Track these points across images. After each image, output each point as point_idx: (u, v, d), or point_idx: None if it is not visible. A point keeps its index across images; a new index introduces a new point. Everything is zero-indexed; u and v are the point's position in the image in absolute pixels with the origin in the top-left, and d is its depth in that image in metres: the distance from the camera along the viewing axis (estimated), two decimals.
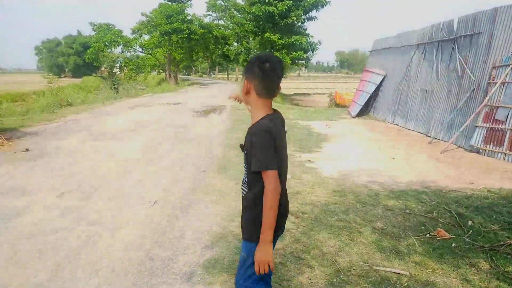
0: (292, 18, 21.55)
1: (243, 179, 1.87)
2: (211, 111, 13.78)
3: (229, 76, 63.89)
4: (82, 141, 7.48)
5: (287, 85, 38.02)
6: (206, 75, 71.89)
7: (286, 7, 20.74)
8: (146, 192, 4.61)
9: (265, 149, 1.64)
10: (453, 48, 8.83)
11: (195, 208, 4.10)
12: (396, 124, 11.20)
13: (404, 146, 8.37)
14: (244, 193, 1.84)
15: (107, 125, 9.64)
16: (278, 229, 1.80)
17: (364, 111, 13.45)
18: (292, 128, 10.41)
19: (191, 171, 5.64)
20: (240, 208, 1.90)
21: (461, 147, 7.88)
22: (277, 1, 21.06)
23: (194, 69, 71.47)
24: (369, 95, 13.10)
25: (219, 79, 59.50)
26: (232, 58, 46.04)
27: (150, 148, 7.12)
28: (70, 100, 13.33)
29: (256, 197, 1.75)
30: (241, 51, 40.83)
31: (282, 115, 1.95)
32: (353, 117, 13.16)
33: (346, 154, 7.33)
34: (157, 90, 23.62)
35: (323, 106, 22.14)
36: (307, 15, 22.96)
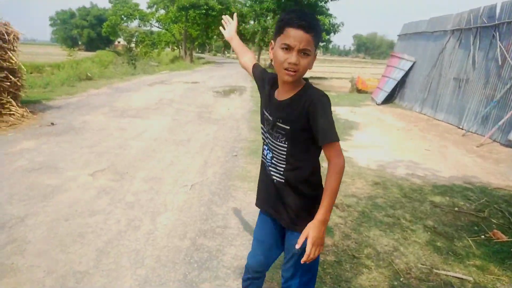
0: None
1: (271, 161, 1.60)
2: (231, 91, 13.51)
3: None
4: (106, 117, 7.32)
5: None
6: (220, 54, 71.15)
7: None
8: (180, 175, 4.43)
9: (331, 118, 1.44)
10: (493, 35, 8.35)
11: (234, 195, 3.92)
12: (425, 114, 10.81)
13: (436, 138, 8.05)
14: (283, 178, 1.56)
15: (129, 101, 9.45)
16: None
17: (389, 99, 13.03)
18: None
19: (222, 154, 5.44)
20: None
21: (497, 142, 7.53)
22: None
23: (208, 47, 70.65)
24: (396, 82, 12.65)
25: (233, 58, 58.78)
26: (248, 37, 45.41)
27: (176, 127, 6.93)
28: (89, 74, 13.15)
29: (310, 178, 1.56)
30: (258, 30, 40.10)
31: None
32: (378, 104, 12.77)
33: (378, 144, 7.06)
34: (173, 68, 23.30)
35: (344, 91, 21.65)
36: None
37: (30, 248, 2.70)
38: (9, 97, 6.67)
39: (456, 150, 7.00)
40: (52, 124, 6.48)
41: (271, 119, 1.56)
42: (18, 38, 6.91)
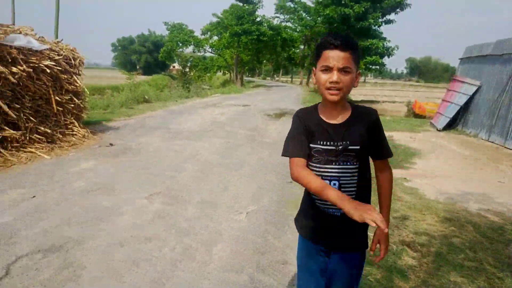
0: (369, 20, 20.50)
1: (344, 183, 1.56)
2: (282, 114, 13.38)
3: (293, 79, 63.35)
4: (161, 139, 7.43)
5: (354, 91, 36.57)
6: (269, 78, 72.12)
7: (363, 9, 19.77)
8: (234, 201, 4.27)
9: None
10: None
11: (291, 226, 3.65)
12: (492, 142, 9.93)
13: (509, 168, 7.28)
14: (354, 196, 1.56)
15: (183, 123, 9.61)
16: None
17: (451, 124, 12.20)
18: None
19: (276, 180, 5.23)
20: None
21: None
22: (353, 3, 20.15)
23: (257, 71, 72.01)
24: (459, 107, 11.85)
25: (282, 81, 59.31)
26: (297, 62, 45.70)
27: (229, 150, 6.85)
28: (146, 97, 13.69)
29: (367, 192, 1.63)
30: (308, 54, 40.22)
31: None
32: (439, 130, 11.98)
33: (443, 173, 6.49)
34: (224, 91, 23.80)
35: (398, 115, 20.80)
36: (384, 18, 21.76)
37: (85, 274, 2.63)
38: (72, 118, 7.00)
39: None
40: (111, 144, 6.67)
41: (334, 146, 1.53)
42: (83, 63, 7.31)
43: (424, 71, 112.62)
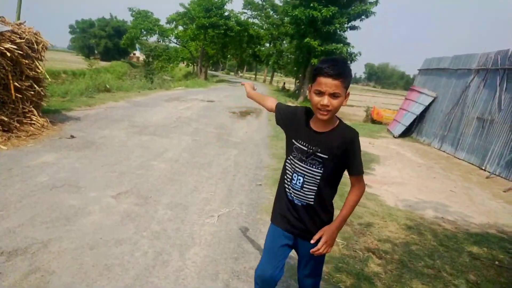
0: (335, 25, 20.98)
1: (301, 186, 1.85)
2: (248, 112, 13.43)
3: (257, 76, 63.55)
4: (126, 133, 7.20)
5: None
6: (233, 73, 71.83)
7: (330, 13, 20.19)
8: (205, 203, 4.25)
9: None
10: None
11: (263, 231, 3.71)
12: (444, 151, 10.61)
13: (459, 178, 7.83)
14: (312, 200, 1.85)
15: (148, 117, 9.37)
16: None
17: (406, 132, 12.87)
18: None
19: (246, 182, 5.26)
20: None
21: None
22: (321, 6, 20.53)
23: (221, 65, 71.47)
24: (415, 116, 12.51)
25: (246, 78, 59.27)
26: (262, 59, 45.93)
27: (196, 149, 6.78)
28: (108, 86, 13.17)
29: (331, 199, 1.91)
30: (273, 52, 40.56)
31: None
32: (395, 137, 12.60)
33: (401, 180, 6.86)
34: (188, 84, 23.41)
35: (356, 120, 21.53)
36: (350, 23, 22.37)
37: (55, 280, 2.52)
38: (31, 106, 6.59)
39: (482, 193, 6.77)
40: (72, 137, 6.37)
41: (306, 148, 1.82)
42: (46, 48, 6.89)
43: (381, 77, 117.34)
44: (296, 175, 1.86)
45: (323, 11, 20.24)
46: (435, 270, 3.39)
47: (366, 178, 5.89)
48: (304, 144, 1.83)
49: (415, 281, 3.13)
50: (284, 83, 36.86)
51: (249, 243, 3.43)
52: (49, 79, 7.30)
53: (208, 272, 2.86)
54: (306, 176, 1.83)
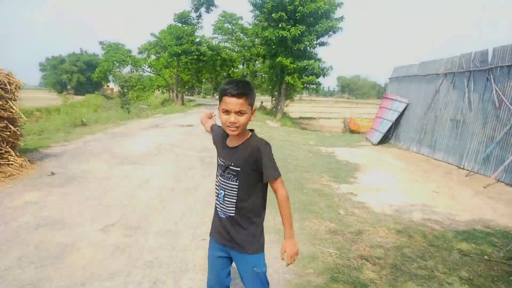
0: (305, 43, 21.55)
1: (223, 199, 1.96)
2: None
3: None
4: (107, 165, 7.10)
5: (292, 109, 37.89)
6: (209, 96, 72.12)
7: (299, 32, 20.77)
8: (195, 227, 4.22)
9: (273, 160, 1.88)
10: (487, 78, 8.63)
11: None
12: (422, 154, 10.89)
13: (441, 178, 8.04)
14: (233, 211, 1.94)
15: (128, 147, 9.28)
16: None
17: (384, 139, 13.18)
18: (317, 155, 10.09)
19: None
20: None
21: (501, 181, 7.54)
22: (290, 26, 21.11)
23: (197, 89, 71.73)
24: (391, 123, 12.85)
25: None
26: None
27: (181, 174, 6.75)
28: (84, 120, 13.00)
29: (257, 208, 1.97)
30: (247, 73, 41.09)
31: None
32: (374, 145, 12.87)
33: (385, 186, 6.99)
34: (166, 111, 23.36)
35: (336, 131, 21.93)
36: (319, 40, 23.02)
37: None
38: (7, 146, 6.44)
39: (464, 191, 6.96)
40: (52, 173, 6.24)
41: (224, 163, 1.95)
42: (19, 88, 6.80)
43: (353, 88, 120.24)
44: (219, 190, 1.99)
45: (291, 30, 20.82)
46: (428, 270, 3.45)
47: (351, 186, 5.97)
48: (222, 160, 1.98)
49: (410, 283, 3.18)
50: (262, 102, 37.29)
51: None
52: (25, 118, 7.16)
53: None
54: (226, 190, 1.95)
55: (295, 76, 22.48)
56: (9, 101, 6.43)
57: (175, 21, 29.99)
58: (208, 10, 29.91)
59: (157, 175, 6.55)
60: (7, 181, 5.71)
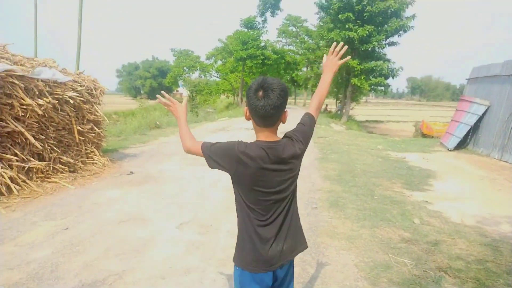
0: (373, 43, 20.84)
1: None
2: None
3: (296, 100, 63.85)
4: (180, 166, 7.50)
5: (358, 111, 36.78)
6: None
7: (367, 32, 20.15)
8: None
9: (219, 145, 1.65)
10: None
11: (327, 255, 3.67)
12: (506, 161, 9.94)
13: None
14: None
15: None
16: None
17: (461, 144, 12.24)
18: (387, 160, 9.68)
19: (301, 206, 5.21)
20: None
21: None
22: (357, 27, 20.56)
23: None
24: (469, 127, 11.92)
25: (288, 103, 59.58)
26: (300, 84, 46.31)
27: None
28: (158, 123, 13.85)
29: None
30: (311, 76, 40.79)
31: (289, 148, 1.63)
32: (450, 150, 12.02)
33: (464, 195, 6.50)
34: (231, 114, 24.02)
35: (405, 135, 20.86)
36: (388, 40, 22.13)
37: None
38: (92, 147, 7.10)
39: None
40: (132, 173, 6.74)
41: None
42: (103, 93, 7.46)
43: (425, 90, 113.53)
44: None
45: (359, 31, 20.26)
46: None
47: (425, 194, 5.68)
48: None
49: None
50: (326, 105, 36.78)
51: (313, 267, 3.40)
52: (107, 121, 7.83)
53: None
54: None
55: (362, 77, 21.82)
56: (95, 105, 7.08)
57: (241, 27, 30.76)
58: (273, 14, 30.24)
59: (224, 177, 6.74)
60: (92, 178, 6.29)
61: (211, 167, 1.70)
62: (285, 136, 1.67)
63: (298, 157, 1.63)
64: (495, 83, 11.50)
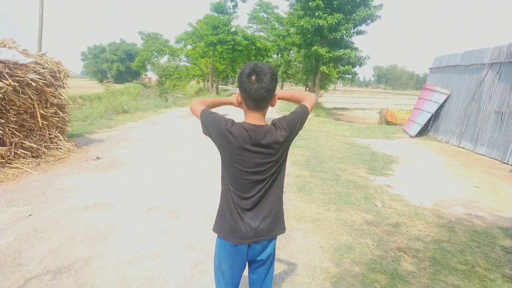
0: (342, 31, 21.10)
1: None
2: None
3: None
4: (148, 151, 7.39)
5: (326, 99, 37.33)
6: None
7: (336, 20, 20.35)
8: None
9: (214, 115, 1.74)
10: None
11: (293, 237, 3.78)
12: (463, 147, 10.50)
13: (482, 173, 7.73)
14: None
15: (166, 135, 9.58)
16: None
17: (423, 131, 12.78)
18: (353, 146, 9.96)
19: None
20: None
21: None
22: (326, 15, 20.72)
23: (231, 79, 72.22)
24: (430, 115, 12.43)
25: None
26: None
27: (219, 163, 6.90)
28: (125, 107, 13.49)
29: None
30: (281, 63, 40.88)
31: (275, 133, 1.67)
32: (412, 137, 12.52)
33: (423, 179, 6.83)
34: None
35: (370, 122, 21.45)
36: (356, 29, 22.46)
37: None
38: (57, 131, 6.85)
39: (508, 187, 6.67)
40: (98, 158, 6.58)
41: None
42: (67, 76, 7.17)
43: (390, 78, 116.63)
44: None
45: (328, 19, 20.41)
46: (469, 265, 3.39)
47: (387, 179, 5.91)
48: None
49: (450, 277, 3.14)
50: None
51: (280, 249, 3.49)
52: (72, 105, 7.56)
53: (242, 281, 2.93)
54: None
55: (331, 65, 22.10)
56: (58, 89, 6.81)
57: (211, 11, 30.20)
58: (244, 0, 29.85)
59: (197, 162, 6.74)
60: (56, 164, 6.09)
61: (203, 133, 1.80)
62: (272, 123, 1.71)
63: (281, 144, 1.68)
64: (455, 72, 12.01)
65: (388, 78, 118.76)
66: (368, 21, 21.95)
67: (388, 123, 17.63)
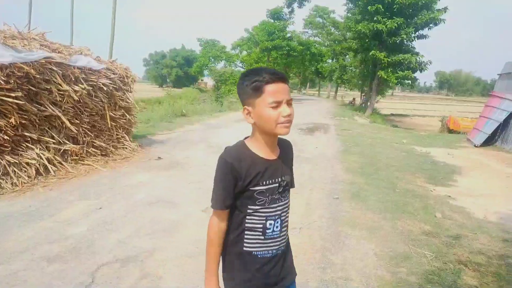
0: (402, 36, 20.39)
1: (279, 231, 1.53)
2: (315, 129, 13.51)
3: (320, 92, 63.32)
4: (205, 153, 7.72)
5: (383, 105, 36.14)
6: (296, 91, 72.44)
7: (396, 24, 19.73)
8: None
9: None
10: None
11: (347, 243, 3.78)
12: None
13: None
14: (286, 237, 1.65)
15: (222, 137, 9.90)
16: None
17: (489, 141, 11.96)
18: (411, 155, 9.60)
19: (322, 196, 5.35)
20: None
21: None
22: (386, 19, 20.15)
23: None
24: (498, 123, 11.61)
25: (309, 94, 59.35)
26: (325, 75, 45.89)
27: None
28: (184, 111, 14.15)
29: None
30: (336, 68, 40.32)
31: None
32: (476, 146, 11.76)
33: (488, 192, 6.42)
34: None
35: (431, 130, 20.46)
36: (417, 33, 21.58)
37: (163, 285, 2.84)
38: (123, 132, 7.40)
39: None
40: (159, 158, 7.00)
41: (277, 183, 1.47)
42: (135, 81, 7.72)
43: (454, 84, 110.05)
44: (274, 221, 1.49)
45: (387, 23, 19.86)
46: None
47: (449, 190, 5.67)
48: (270, 181, 1.46)
49: None
50: (354, 98, 36.33)
51: (334, 254, 3.51)
52: (138, 108, 8.11)
53: (298, 281, 2.99)
54: (282, 215, 1.52)
55: (389, 70, 21.42)
56: (126, 93, 7.35)
57: (267, 17, 30.65)
58: (300, 5, 29.94)
59: None
60: (123, 162, 6.59)
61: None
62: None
63: None
64: None
65: (451, 84, 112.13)
66: (431, 25, 21.02)
67: (451, 131, 16.69)
